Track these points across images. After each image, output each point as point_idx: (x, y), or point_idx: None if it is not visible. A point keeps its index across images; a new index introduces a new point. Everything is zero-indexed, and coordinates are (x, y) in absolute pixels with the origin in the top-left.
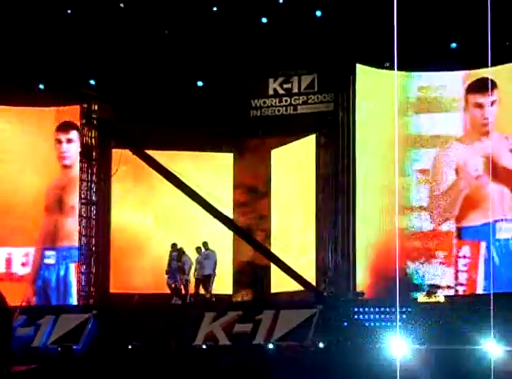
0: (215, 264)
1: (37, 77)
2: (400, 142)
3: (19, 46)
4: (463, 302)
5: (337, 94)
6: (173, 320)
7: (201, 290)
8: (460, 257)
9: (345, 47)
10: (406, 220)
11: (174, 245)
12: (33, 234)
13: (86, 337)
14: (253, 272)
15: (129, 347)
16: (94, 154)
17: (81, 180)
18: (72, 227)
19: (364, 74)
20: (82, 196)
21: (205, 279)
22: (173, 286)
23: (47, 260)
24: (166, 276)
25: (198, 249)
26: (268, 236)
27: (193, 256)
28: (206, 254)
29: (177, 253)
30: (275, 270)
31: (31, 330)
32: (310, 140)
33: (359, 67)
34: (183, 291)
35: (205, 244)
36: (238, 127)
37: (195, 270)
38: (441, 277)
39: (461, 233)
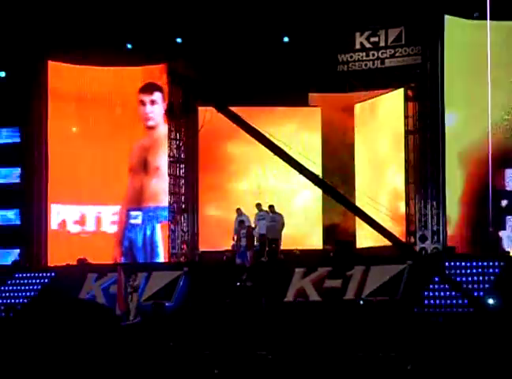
0: (281, 227)
1: (125, 37)
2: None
3: (106, 7)
4: None
5: (425, 46)
6: (264, 277)
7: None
8: None
9: None
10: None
11: (240, 221)
12: (120, 194)
13: (178, 294)
14: (342, 227)
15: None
16: (179, 112)
17: (170, 138)
18: (157, 187)
19: (453, 26)
20: (170, 154)
21: (271, 243)
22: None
23: (133, 221)
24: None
25: (258, 205)
26: (354, 192)
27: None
28: (272, 217)
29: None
30: (361, 225)
31: None
32: (398, 93)
33: (447, 18)
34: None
35: (271, 207)
36: (325, 82)
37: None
38: None
39: None
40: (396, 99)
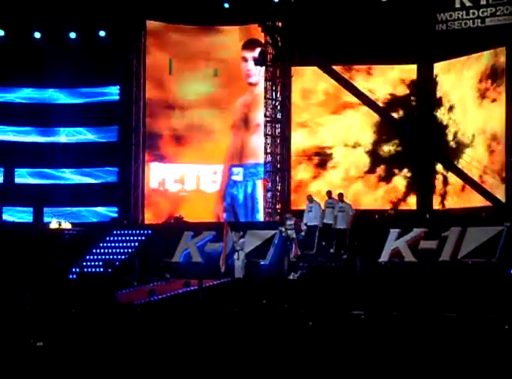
0: (350, 218)
1: None
2: None
3: None
4: None
5: None
6: (357, 238)
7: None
8: None
9: None
10: None
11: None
12: (221, 152)
13: (273, 253)
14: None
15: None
16: (278, 72)
17: (266, 98)
18: (257, 144)
19: None
20: (267, 114)
21: (339, 234)
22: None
23: (234, 177)
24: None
25: (329, 193)
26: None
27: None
28: (341, 207)
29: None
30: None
31: (219, 246)
32: (500, 52)
33: None
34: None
35: (340, 195)
36: (423, 42)
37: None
38: None
39: None
40: (497, 57)
